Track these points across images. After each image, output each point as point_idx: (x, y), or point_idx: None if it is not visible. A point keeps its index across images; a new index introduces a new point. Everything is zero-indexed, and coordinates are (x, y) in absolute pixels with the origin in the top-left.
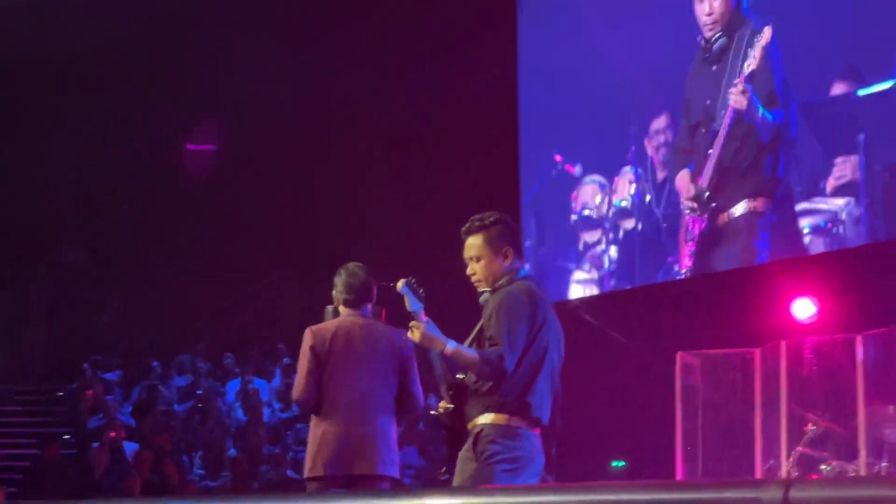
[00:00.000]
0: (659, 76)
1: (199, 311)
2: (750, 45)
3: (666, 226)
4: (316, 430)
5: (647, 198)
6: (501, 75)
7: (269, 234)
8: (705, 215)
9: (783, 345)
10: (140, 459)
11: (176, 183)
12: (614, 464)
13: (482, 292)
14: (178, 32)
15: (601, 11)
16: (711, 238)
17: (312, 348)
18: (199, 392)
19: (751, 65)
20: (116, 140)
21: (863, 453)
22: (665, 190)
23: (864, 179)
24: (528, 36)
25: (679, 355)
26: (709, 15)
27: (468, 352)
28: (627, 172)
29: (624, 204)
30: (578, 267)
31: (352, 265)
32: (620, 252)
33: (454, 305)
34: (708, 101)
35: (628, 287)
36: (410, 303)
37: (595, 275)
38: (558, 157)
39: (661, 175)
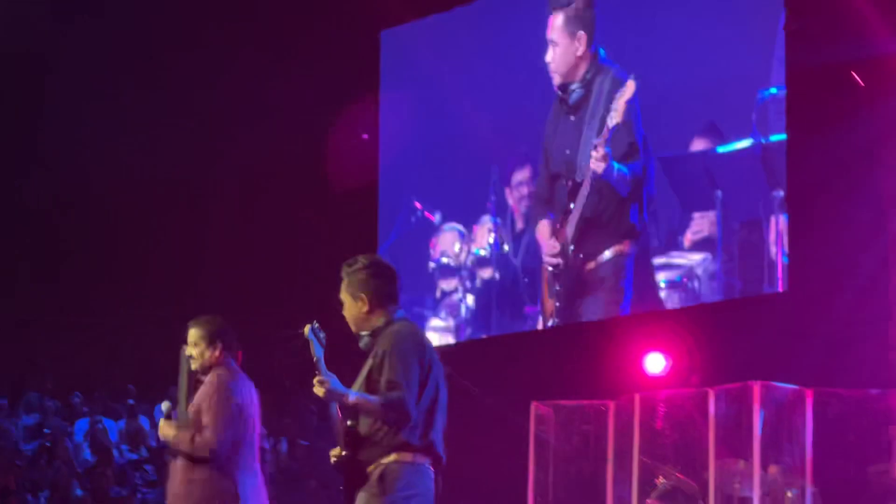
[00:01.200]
0: (520, 125)
1: (47, 349)
2: (610, 97)
3: (524, 276)
4: (227, 481)
5: (506, 247)
6: (364, 120)
7: (121, 274)
8: (568, 266)
9: (637, 398)
10: None
11: (23, 218)
12: None
13: (361, 336)
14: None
15: (464, 59)
16: (575, 288)
17: (239, 406)
18: (46, 431)
19: (614, 118)
20: None
21: None
22: (524, 240)
23: (721, 235)
24: (390, 81)
25: (533, 405)
26: (550, 62)
27: (370, 400)
28: (486, 221)
29: (482, 253)
30: (435, 314)
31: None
32: (477, 301)
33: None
34: (567, 152)
35: (484, 336)
36: (315, 348)
37: (451, 323)
38: (418, 204)
39: (520, 225)
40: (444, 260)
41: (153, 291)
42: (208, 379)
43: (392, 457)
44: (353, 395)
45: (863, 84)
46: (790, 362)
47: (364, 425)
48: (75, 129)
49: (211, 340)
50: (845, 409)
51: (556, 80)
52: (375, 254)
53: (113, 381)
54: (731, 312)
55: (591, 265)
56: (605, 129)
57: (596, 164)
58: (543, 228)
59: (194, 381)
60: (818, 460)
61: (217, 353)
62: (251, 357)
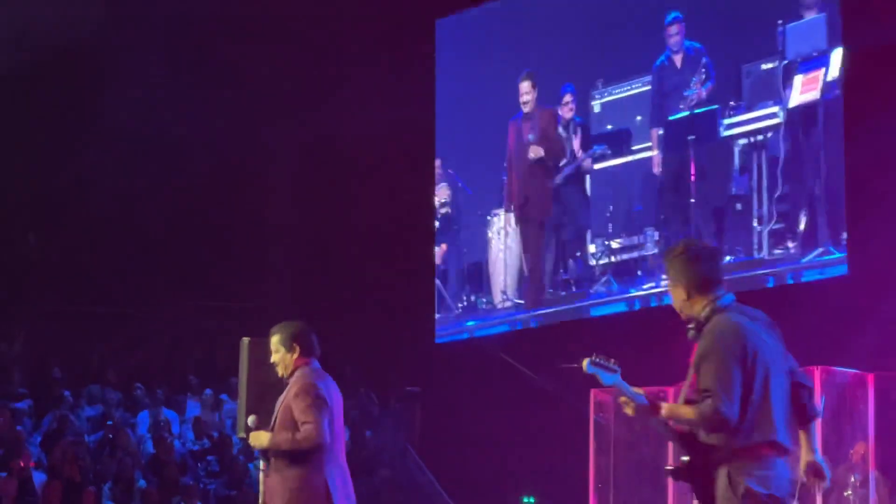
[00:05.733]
0: None
1: (108, 341)
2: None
3: None
4: (318, 477)
5: None
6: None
7: (182, 266)
8: None
9: None
10: (49, 490)
11: (82, 213)
12: (524, 500)
13: (688, 328)
14: (78, 62)
15: None
16: None
17: (327, 402)
18: (109, 423)
19: None
20: (19, 170)
21: None
22: None
23: None
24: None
25: (592, 392)
26: None
27: (682, 411)
28: None
29: None
30: None
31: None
32: None
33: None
34: None
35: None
36: (604, 378)
37: None
38: None
39: None
40: None
41: (213, 283)
42: (293, 379)
43: (735, 462)
44: (665, 409)
45: None
46: (851, 346)
47: (700, 435)
48: (131, 119)
49: (289, 345)
50: None
51: None
52: (693, 238)
53: (174, 373)
54: (791, 296)
55: None
56: None
57: None
58: None
59: (259, 375)
60: (881, 445)
61: (295, 355)
62: None
